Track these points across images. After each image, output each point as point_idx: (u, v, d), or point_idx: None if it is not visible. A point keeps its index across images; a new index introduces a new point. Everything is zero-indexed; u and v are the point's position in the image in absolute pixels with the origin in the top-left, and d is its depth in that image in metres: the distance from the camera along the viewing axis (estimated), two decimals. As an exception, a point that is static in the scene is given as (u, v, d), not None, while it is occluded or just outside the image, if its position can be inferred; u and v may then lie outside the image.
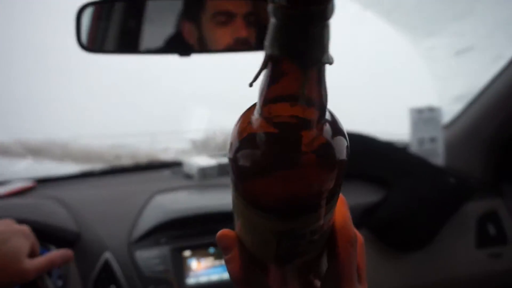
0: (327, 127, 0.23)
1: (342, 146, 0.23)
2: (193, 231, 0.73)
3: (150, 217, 0.76)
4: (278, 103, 0.21)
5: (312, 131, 0.22)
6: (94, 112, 2.60)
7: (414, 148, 0.94)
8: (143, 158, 1.98)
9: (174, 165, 0.99)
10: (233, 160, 0.23)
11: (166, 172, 0.95)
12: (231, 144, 0.23)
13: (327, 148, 0.22)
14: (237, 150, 0.22)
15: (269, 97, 0.21)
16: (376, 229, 0.79)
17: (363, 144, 0.89)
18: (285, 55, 0.20)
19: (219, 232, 0.28)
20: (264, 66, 0.21)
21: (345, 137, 0.24)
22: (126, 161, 1.99)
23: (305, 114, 0.22)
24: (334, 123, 0.23)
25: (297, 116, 0.21)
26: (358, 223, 0.75)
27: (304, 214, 0.24)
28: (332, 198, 0.25)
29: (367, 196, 0.83)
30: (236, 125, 0.24)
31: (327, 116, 0.23)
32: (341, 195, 0.28)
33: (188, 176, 0.91)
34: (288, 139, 0.22)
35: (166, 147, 2.13)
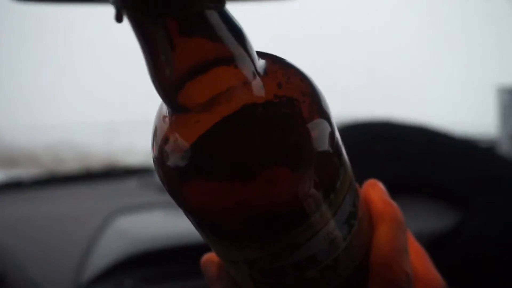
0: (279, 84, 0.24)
1: (312, 112, 0.24)
2: (171, 270, 0.73)
3: (108, 250, 0.76)
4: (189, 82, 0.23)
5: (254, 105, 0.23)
6: (24, 96, 2.66)
7: (504, 148, 0.94)
8: (96, 162, 2.01)
9: (142, 173, 1.01)
10: (160, 162, 0.25)
11: (131, 183, 0.97)
12: (155, 140, 0.25)
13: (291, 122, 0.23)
14: (162, 148, 0.24)
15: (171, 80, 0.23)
16: (448, 270, 0.78)
17: (427, 143, 0.89)
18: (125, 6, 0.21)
19: (203, 258, 0.30)
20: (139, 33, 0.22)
21: (312, 90, 0.25)
22: (71, 166, 2.02)
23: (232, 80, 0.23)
24: (285, 72, 0.24)
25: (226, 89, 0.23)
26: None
27: (271, 234, 0.24)
28: (331, 191, 0.25)
29: (434, 220, 0.83)
30: (159, 118, 0.25)
31: (268, 68, 0.24)
32: (386, 201, 0.28)
33: (163, 188, 0.91)
34: (227, 125, 0.23)
35: (130, 146, 2.15)
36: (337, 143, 0.25)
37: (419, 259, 0.29)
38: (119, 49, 3.22)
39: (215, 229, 0.25)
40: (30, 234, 0.79)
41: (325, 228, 0.25)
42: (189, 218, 0.26)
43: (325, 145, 0.24)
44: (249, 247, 0.25)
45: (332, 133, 0.25)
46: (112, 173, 1.02)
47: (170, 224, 0.84)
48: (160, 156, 0.25)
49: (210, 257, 0.30)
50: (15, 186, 0.94)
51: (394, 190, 0.98)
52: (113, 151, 2.17)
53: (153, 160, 0.26)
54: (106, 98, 2.78)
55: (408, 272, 0.27)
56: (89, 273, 0.73)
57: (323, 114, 0.24)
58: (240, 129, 0.22)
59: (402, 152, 0.86)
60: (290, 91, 0.24)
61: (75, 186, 0.96)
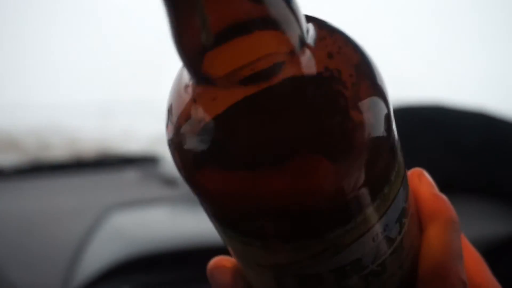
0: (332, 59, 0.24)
1: (367, 89, 0.24)
2: (175, 276, 0.74)
3: (102, 252, 0.77)
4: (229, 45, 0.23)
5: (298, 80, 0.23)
6: (3, 71, 2.69)
7: None
8: (88, 149, 2.01)
9: (142, 162, 1.02)
10: (177, 143, 0.25)
11: (129, 174, 0.97)
12: (176, 119, 0.25)
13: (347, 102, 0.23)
14: (182, 131, 0.24)
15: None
16: (508, 283, 0.78)
17: (486, 133, 0.88)
18: None
19: (212, 262, 0.29)
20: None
21: (372, 73, 0.25)
22: (59, 153, 2.02)
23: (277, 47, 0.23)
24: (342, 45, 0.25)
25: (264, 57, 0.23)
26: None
27: (310, 234, 0.24)
28: (385, 184, 0.25)
29: (493, 225, 0.83)
30: (178, 94, 0.25)
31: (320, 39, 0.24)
32: (438, 198, 0.28)
33: (168, 181, 0.93)
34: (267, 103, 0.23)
35: (129, 131, 2.17)
36: (393, 126, 0.25)
37: (475, 266, 0.29)
38: (116, 16, 3.26)
39: (241, 226, 0.25)
40: (10, 232, 0.80)
41: (375, 227, 0.25)
42: (207, 212, 0.26)
43: (380, 130, 0.24)
44: (280, 249, 0.24)
45: (388, 115, 0.25)
46: (107, 162, 1.03)
47: (175, 222, 0.85)
48: (177, 136, 0.24)
49: (221, 262, 0.29)
50: None
51: (446, 187, 0.97)
52: (108, 136, 2.18)
53: (168, 142, 0.25)
54: (99, 74, 2.79)
55: (465, 281, 0.27)
56: (80, 279, 0.74)
57: (379, 91, 0.24)
58: (283, 106, 0.22)
59: (457, 142, 0.86)
60: (342, 64, 0.23)
61: (63, 176, 0.97)
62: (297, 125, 0.22)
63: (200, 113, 0.24)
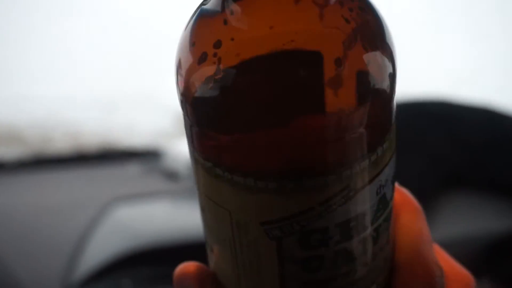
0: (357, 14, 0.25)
1: (375, 43, 0.25)
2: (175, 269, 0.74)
3: (104, 245, 0.77)
4: None
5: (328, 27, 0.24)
6: (4, 63, 2.68)
7: None
8: (90, 142, 2.00)
9: (146, 156, 1.02)
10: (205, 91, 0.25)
11: (133, 167, 0.97)
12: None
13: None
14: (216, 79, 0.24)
15: None
16: None
17: (491, 129, 0.88)
18: None
19: (179, 269, 0.29)
20: None
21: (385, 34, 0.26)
22: (62, 147, 2.01)
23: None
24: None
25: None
26: (479, 268, 0.73)
27: (325, 173, 0.25)
28: (381, 141, 0.26)
29: (497, 221, 0.83)
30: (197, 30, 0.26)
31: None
32: (401, 190, 0.30)
33: (170, 174, 0.93)
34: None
35: (132, 125, 2.17)
36: (394, 89, 0.26)
37: (439, 253, 0.29)
38: (120, 10, 3.26)
39: (255, 169, 0.25)
40: (12, 225, 0.80)
41: (379, 177, 0.26)
42: (208, 172, 0.27)
43: (383, 84, 0.25)
44: (294, 192, 0.25)
45: (392, 75, 0.26)
46: (109, 156, 1.03)
47: (177, 216, 0.85)
48: (191, 82, 0.25)
49: (186, 269, 0.29)
50: None
51: (451, 181, 0.97)
52: (110, 130, 2.17)
53: (182, 94, 0.26)
54: (103, 68, 2.78)
55: (441, 267, 0.27)
56: (82, 272, 0.74)
57: (388, 50, 0.25)
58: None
59: (462, 138, 0.86)
60: (357, 17, 0.24)
61: (66, 170, 0.97)
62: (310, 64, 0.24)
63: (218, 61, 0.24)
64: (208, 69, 0.24)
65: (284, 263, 0.27)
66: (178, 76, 0.26)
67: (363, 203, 0.26)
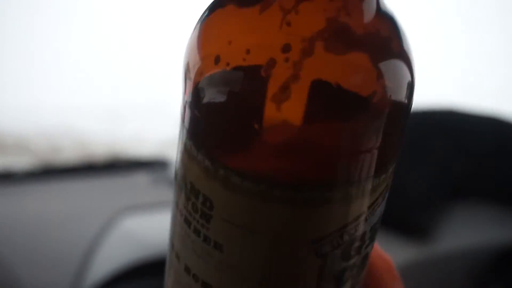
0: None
1: (393, 50, 0.24)
2: None
3: (112, 256, 0.77)
4: None
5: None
6: (13, 74, 2.68)
7: None
8: (98, 152, 2.01)
9: (154, 165, 1.02)
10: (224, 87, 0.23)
11: (141, 177, 0.97)
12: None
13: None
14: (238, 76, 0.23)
15: None
16: None
17: (498, 138, 0.87)
18: None
19: None
20: None
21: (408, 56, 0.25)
22: (69, 156, 2.02)
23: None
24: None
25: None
26: (488, 278, 0.73)
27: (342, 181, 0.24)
28: (394, 156, 0.25)
29: (506, 229, 0.82)
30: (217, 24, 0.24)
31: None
32: (386, 257, 0.29)
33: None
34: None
35: (139, 134, 2.17)
36: (411, 100, 0.25)
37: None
38: (128, 20, 3.27)
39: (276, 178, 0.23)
40: (21, 235, 0.79)
41: (387, 190, 0.25)
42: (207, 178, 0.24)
43: (400, 95, 0.24)
44: (348, 203, 0.24)
45: (411, 84, 0.25)
46: (118, 166, 1.03)
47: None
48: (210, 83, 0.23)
49: None
50: (4, 178, 0.95)
51: (458, 192, 0.96)
52: (118, 140, 2.17)
53: (194, 96, 0.24)
54: (110, 78, 2.78)
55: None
56: (90, 282, 0.73)
57: (406, 58, 0.24)
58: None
59: (468, 147, 0.85)
60: (379, 23, 0.24)
61: (74, 179, 0.97)
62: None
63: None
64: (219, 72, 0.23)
65: (322, 280, 0.25)
66: (187, 80, 0.25)
67: (382, 208, 0.26)
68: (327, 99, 0.22)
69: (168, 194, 0.92)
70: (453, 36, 3.27)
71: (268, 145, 0.22)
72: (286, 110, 0.22)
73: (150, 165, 1.02)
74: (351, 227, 0.24)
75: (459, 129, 0.85)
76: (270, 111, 0.22)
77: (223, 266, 0.25)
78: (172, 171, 0.97)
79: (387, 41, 0.23)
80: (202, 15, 0.26)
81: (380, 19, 0.24)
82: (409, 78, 0.24)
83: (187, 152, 0.25)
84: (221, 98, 0.23)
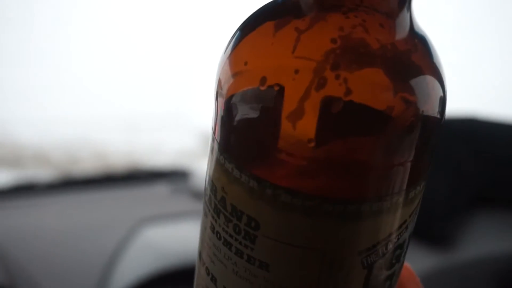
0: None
1: (425, 64, 0.25)
2: None
3: (134, 266, 0.77)
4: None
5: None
6: (32, 86, 2.70)
7: None
8: (118, 163, 2.02)
9: (173, 176, 1.02)
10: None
11: (160, 188, 0.98)
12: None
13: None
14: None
15: None
16: None
17: None
18: None
19: None
20: None
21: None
22: (89, 168, 2.03)
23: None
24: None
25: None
26: (508, 287, 0.74)
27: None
28: (426, 172, 0.26)
29: None
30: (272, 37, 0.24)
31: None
32: (407, 266, 0.30)
33: (198, 194, 0.94)
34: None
35: (158, 145, 2.17)
36: (444, 115, 0.26)
37: None
38: (145, 30, 3.28)
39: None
40: (42, 247, 0.80)
41: (420, 203, 0.26)
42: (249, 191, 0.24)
43: (431, 111, 0.24)
44: (393, 212, 0.24)
45: (443, 100, 0.25)
46: (137, 176, 1.03)
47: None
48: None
49: None
50: (25, 190, 0.96)
51: (479, 200, 0.96)
52: (137, 150, 2.17)
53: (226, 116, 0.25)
54: (128, 87, 2.78)
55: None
56: (112, 292, 0.74)
57: (437, 73, 0.25)
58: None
59: (489, 155, 0.86)
60: (409, 41, 0.24)
61: (93, 191, 0.97)
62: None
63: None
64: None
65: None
66: (219, 97, 0.25)
67: (410, 229, 0.26)
68: (356, 118, 0.22)
69: (187, 204, 0.92)
70: (472, 43, 3.25)
71: (316, 162, 0.23)
72: (328, 127, 0.23)
73: (169, 176, 1.02)
74: (395, 235, 0.25)
75: (479, 137, 0.85)
76: (311, 129, 0.23)
77: (269, 285, 0.25)
78: (192, 181, 0.98)
79: (416, 58, 0.24)
80: (234, 34, 0.26)
81: (411, 37, 0.24)
82: (441, 93, 0.25)
83: (225, 173, 0.25)
84: (264, 115, 0.23)
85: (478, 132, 0.85)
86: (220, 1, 3.47)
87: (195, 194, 0.95)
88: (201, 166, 0.99)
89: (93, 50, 3.06)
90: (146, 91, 2.69)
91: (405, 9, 0.24)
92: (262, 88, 0.23)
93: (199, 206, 0.92)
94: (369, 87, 0.22)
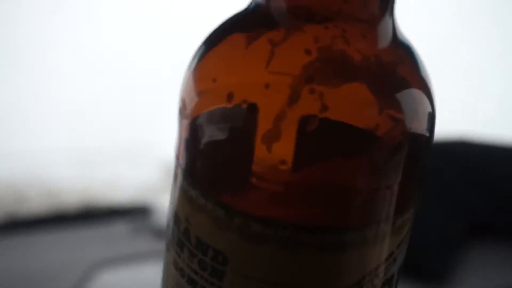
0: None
1: (411, 77, 0.25)
2: None
3: None
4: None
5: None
6: None
7: None
8: (71, 201, 2.02)
9: (132, 213, 1.01)
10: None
11: (119, 226, 0.97)
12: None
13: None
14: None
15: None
16: None
17: None
18: None
19: None
20: None
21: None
22: (38, 207, 2.01)
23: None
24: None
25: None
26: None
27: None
28: (415, 198, 0.26)
29: None
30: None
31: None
32: None
33: (161, 232, 0.94)
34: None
35: (116, 180, 2.17)
36: (433, 134, 0.25)
37: None
38: (100, 58, 3.31)
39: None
40: None
41: (409, 233, 0.26)
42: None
43: (418, 127, 0.24)
44: (383, 241, 0.24)
45: (431, 115, 0.25)
46: (92, 215, 1.02)
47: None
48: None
49: None
50: None
51: (476, 230, 0.96)
52: (93, 186, 2.18)
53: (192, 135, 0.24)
54: (82, 119, 2.79)
55: None
56: None
57: (424, 86, 0.24)
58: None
59: (485, 180, 0.84)
60: (392, 52, 0.24)
61: (43, 232, 0.96)
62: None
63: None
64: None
65: None
66: (183, 118, 0.25)
67: (399, 261, 0.26)
68: (336, 137, 0.22)
69: (149, 244, 0.91)
70: (460, 60, 3.37)
71: (291, 187, 0.22)
72: (303, 147, 0.22)
73: (128, 213, 1.01)
74: (382, 269, 0.25)
75: (474, 161, 0.84)
76: (286, 151, 0.22)
77: None
78: (154, 218, 0.96)
79: (402, 70, 0.24)
80: (198, 50, 0.26)
81: (395, 47, 0.24)
82: (429, 109, 0.25)
83: (189, 202, 0.24)
84: (233, 136, 0.23)
85: (472, 156, 0.85)
86: (183, 19, 3.55)
87: (158, 233, 0.94)
88: (164, 201, 0.97)
89: (43, 79, 3.07)
90: (102, 122, 2.70)
91: (387, 16, 0.24)
92: (231, 106, 0.23)
93: (162, 246, 0.91)
94: (352, 104, 0.22)
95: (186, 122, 0.25)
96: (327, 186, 0.23)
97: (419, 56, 0.25)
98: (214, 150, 0.23)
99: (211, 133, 0.23)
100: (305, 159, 0.22)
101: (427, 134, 0.25)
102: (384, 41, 0.24)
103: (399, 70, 0.24)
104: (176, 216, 0.25)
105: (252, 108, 0.22)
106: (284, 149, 0.22)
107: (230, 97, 0.23)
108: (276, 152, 0.22)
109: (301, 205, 0.23)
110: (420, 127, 0.24)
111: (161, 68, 3.09)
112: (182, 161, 0.25)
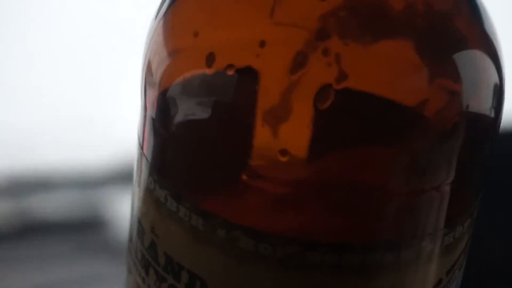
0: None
1: (471, 35, 0.21)
2: None
3: None
4: None
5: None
6: None
7: None
8: (2, 215, 2.01)
9: (78, 228, 0.98)
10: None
11: (61, 245, 0.94)
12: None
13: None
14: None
15: None
16: None
17: None
18: None
19: None
20: None
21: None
22: None
23: None
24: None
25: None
26: None
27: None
28: (472, 204, 0.24)
29: None
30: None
31: None
32: None
33: (114, 250, 0.92)
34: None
35: (52, 171, 2.17)
36: (500, 112, 0.22)
37: None
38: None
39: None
40: None
41: (464, 256, 0.25)
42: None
43: (481, 105, 0.21)
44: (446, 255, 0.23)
45: (500, 89, 0.21)
46: (26, 232, 0.99)
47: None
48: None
49: None
50: None
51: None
52: (23, 205, 2.15)
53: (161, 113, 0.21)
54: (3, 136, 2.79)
55: None
56: None
57: (489, 45, 0.21)
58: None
59: None
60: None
61: None
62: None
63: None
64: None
65: None
66: (148, 88, 0.22)
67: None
68: (367, 118, 0.19)
69: (97, 265, 0.88)
70: None
71: (299, 188, 0.20)
72: (316, 131, 0.19)
73: (74, 228, 0.97)
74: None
75: None
76: (294, 137, 0.19)
77: None
78: (109, 231, 0.93)
79: (461, 24, 0.20)
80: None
81: None
82: (496, 80, 0.22)
83: (155, 205, 0.21)
84: (219, 114, 0.20)
85: None
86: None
87: (111, 250, 0.90)
88: (123, 205, 0.92)
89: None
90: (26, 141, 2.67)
91: None
92: (217, 71, 0.20)
93: (116, 266, 0.88)
94: (390, 70, 0.19)
95: (152, 93, 0.22)
96: (347, 186, 0.20)
97: (483, 6, 0.22)
98: (191, 134, 0.20)
99: (188, 110, 0.20)
100: (318, 148, 0.19)
101: (493, 116, 0.22)
102: None
103: (457, 24, 0.20)
104: (139, 226, 0.23)
105: (248, 75, 0.19)
106: (289, 134, 0.19)
107: (215, 58, 0.20)
108: (278, 139, 0.20)
109: (310, 212, 0.20)
110: (484, 105, 0.21)
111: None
112: (147, 149, 0.22)
